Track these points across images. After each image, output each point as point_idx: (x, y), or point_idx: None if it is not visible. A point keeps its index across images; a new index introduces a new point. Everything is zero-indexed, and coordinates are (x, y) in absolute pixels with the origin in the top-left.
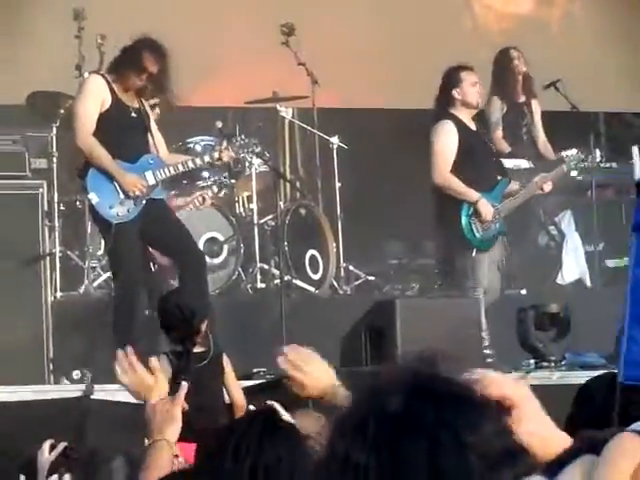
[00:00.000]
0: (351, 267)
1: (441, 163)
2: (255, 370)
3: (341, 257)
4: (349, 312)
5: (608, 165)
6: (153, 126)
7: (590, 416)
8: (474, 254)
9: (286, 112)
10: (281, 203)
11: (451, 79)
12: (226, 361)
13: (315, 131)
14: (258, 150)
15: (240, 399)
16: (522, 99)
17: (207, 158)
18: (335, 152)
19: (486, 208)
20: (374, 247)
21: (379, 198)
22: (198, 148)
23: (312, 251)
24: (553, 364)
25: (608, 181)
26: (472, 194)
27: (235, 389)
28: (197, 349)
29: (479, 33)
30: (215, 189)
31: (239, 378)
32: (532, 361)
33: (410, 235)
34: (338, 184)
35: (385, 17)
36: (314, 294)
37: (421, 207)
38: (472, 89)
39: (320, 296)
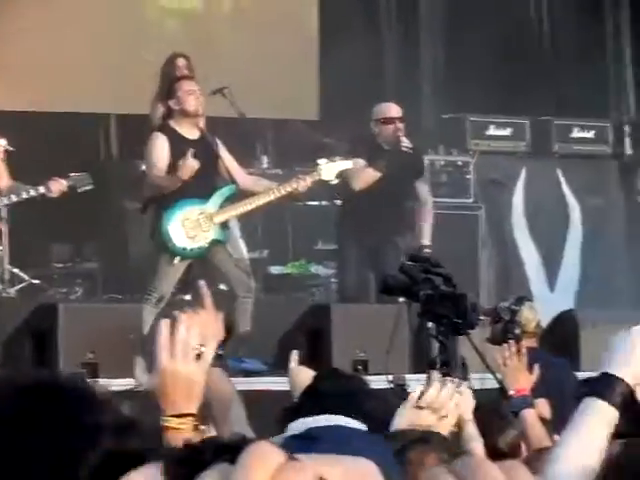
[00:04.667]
0: (15, 270)
1: (152, 176)
2: None
3: (5, 260)
4: (13, 315)
5: (274, 172)
6: None
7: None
8: (176, 261)
9: None
10: None
11: (167, 90)
12: None
13: None
14: None
15: None
16: None
17: None
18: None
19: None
20: (39, 250)
21: (45, 202)
22: None
23: None
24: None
25: None
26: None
27: None
28: None
29: (149, 32)
30: None
31: None
32: None
33: (76, 239)
34: None
35: (61, 18)
36: None
37: (89, 211)
38: (189, 97)
39: None
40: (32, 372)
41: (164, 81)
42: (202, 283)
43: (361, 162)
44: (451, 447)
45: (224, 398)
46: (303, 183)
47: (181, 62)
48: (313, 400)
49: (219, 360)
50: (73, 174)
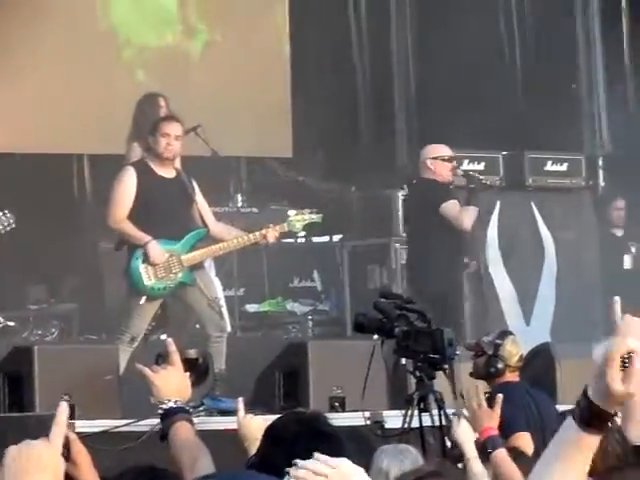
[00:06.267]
0: None
1: (113, 208)
2: None
3: None
4: None
5: (248, 210)
6: None
7: (285, 454)
8: (142, 301)
9: None
10: None
11: (150, 128)
12: None
13: None
14: None
15: None
16: None
17: None
18: None
19: (154, 252)
20: (14, 292)
21: (21, 242)
22: None
23: None
24: (191, 410)
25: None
26: (142, 237)
27: None
28: None
29: (122, 71)
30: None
31: None
32: None
33: (51, 280)
34: None
35: (32, 60)
36: None
37: (64, 252)
38: (162, 139)
39: None
40: None
41: (142, 120)
42: (170, 340)
43: (457, 204)
44: None
45: (192, 450)
46: (271, 234)
47: (161, 102)
48: (277, 447)
49: (188, 414)
50: None
